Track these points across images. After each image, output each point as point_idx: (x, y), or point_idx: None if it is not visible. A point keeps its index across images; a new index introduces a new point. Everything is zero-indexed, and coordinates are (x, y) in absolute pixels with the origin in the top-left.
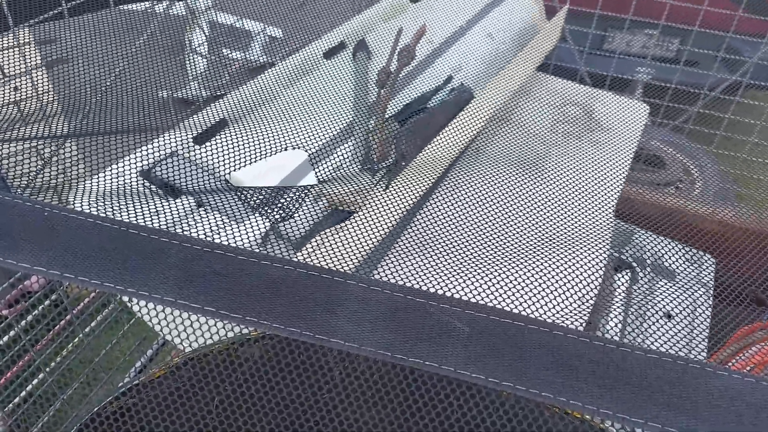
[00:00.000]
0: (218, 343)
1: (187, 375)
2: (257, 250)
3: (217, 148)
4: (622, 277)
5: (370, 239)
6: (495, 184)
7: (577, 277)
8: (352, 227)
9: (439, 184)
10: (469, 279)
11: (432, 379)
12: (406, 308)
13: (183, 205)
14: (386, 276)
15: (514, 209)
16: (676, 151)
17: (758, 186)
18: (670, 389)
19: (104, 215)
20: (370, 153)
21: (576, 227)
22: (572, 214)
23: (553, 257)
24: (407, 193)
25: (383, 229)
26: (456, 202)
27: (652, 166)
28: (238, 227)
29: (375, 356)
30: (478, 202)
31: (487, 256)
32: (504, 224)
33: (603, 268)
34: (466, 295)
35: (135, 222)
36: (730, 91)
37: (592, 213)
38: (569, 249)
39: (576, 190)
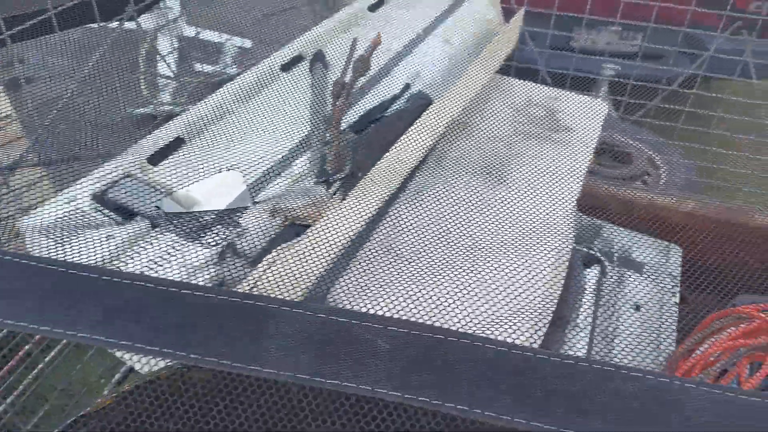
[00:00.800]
0: (168, 368)
1: (136, 402)
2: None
3: (172, 168)
4: (592, 271)
5: (328, 252)
6: (457, 189)
7: (541, 275)
8: (309, 241)
9: (400, 192)
10: (434, 287)
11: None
12: (329, 329)
13: (137, 227)
14: (347, 289)
15: (477, 213)
16: (642, 145)
17: (725, 176)
18: (589, 395)
19: (28, 251)
20: (325, 165)
21: (539, 227)
22: (535, 213)
23: (518, 257)
24: (366, 204)
25: (342, 242)
26: (419, 210)
27: (619, 161)
28: (193, 247)
29: (294, 381)
30: (441, 208)
31: (451, 262)
32: (468, 228)
33: (567, 265)
34: (431, 304)
35: (61, 257)
36: (698, 84)
37: (555, 211)
38: (533, 248)
39: (538, 191)
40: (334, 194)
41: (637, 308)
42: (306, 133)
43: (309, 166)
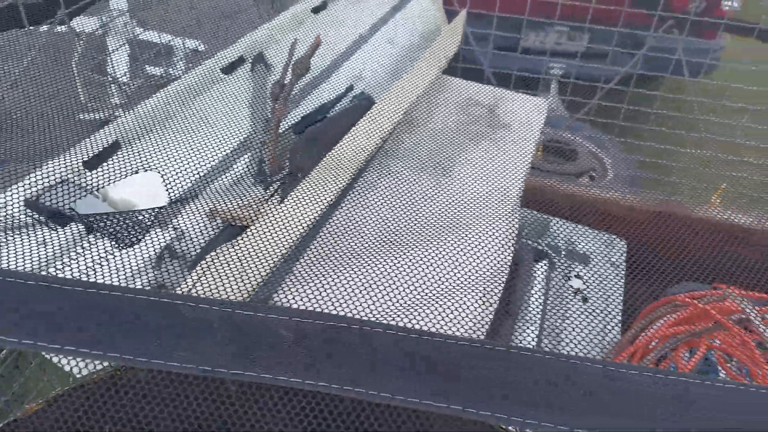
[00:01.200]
0: (100, 371)
1: (69, 405)
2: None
3: (109, 173)
4: (541, 265)
5: (269, 253)
6: (404, 186)
7: (485, 265)
8: (247, 242)
9: (348, 189)
10: (381, 281)
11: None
12: (232, 322)
13: (71, 233)
14: (291, 287)
15: (423, 207)
16: (588, 143)
17: (667, 170)
18: (488, 376)
19: None
20: (263, 166)
21: (483, 220)
22: (479, 208)
23: (463, 248)
24: (308, 203)
25: (284, 242)
26: (366, 205)
27: (567, 158)
28: (130, 251)
29: (197, 372)
30: (388, 204)
31: (397, 254)
32: (414, 222)
33: (511, 255)
34: (377, 297)
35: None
36: (633, 82)
37: (497, 204)
38: (477, 238)
39: (481, 186)
40: (272, 195)
41: (585, 300)
42: (246, 135)
43: (248, 167)
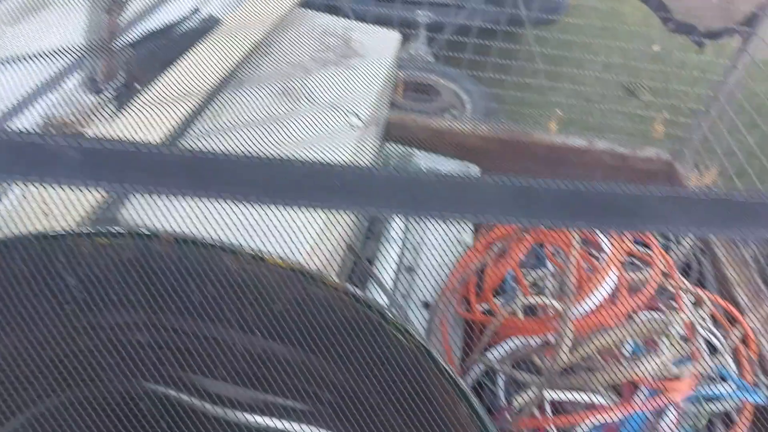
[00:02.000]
0: None
1: None
2: None
3: None
4: None
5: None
6: (257, 109)
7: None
8: None
9: (198, 112)
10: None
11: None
12: (26, 145)
13: None
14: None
15: (275, 131)
16: (449, 81)
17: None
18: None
19: None
20: (95, 76)
21: (334, 142)
22: (331, 131)
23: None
24: (151, 115)
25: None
26: (216, 125)
27: (429, 95)
28: None
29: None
30: (239, 126)
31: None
32: (265, 145)
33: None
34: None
35: None
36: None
37: (351, 128)
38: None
39: (333, 109)
40: (105, 104)
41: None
42: (80, 50)
43: (80, 79)
